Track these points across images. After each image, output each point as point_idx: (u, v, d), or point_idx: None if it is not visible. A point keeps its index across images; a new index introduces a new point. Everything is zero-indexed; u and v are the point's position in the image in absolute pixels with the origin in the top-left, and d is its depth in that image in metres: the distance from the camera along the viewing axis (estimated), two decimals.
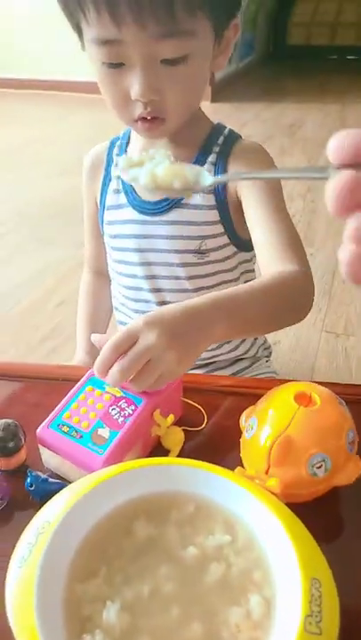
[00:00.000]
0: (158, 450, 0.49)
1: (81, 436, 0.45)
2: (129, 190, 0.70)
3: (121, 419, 0.45)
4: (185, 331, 0.46)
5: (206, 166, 0.66)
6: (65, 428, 0.46)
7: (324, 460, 0.41)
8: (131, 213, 0.70)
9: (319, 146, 2.63)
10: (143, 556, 0.36)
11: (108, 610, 0.33)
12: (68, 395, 0.48)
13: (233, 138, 0.68)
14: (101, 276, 0.85)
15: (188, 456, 0.48)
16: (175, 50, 0.54)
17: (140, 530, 0.37)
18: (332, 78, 4.03)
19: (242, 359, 0.81)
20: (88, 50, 0.58)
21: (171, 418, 0.49)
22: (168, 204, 0.67)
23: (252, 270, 0.77)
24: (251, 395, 0.52)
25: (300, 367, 1.34)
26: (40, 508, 0.37)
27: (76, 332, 0.86)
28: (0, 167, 2.68)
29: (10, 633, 0.31)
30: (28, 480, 0.45)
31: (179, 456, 0.49)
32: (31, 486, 0.45)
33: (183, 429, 0.50)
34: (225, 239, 0.69)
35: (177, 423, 0.51)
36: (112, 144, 0.75)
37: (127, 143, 0.73)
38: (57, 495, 0.38)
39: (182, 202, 0.67)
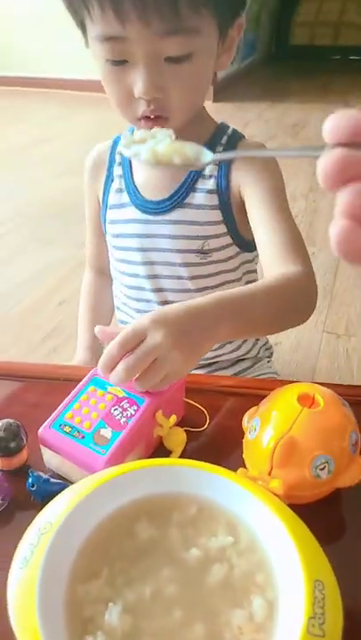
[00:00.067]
0: (160, 450, 0.49)
1: (83, 437, 0.45)
2: (131, 189, 0.70)
3: (123, 419, 0.45)
4: (190, 330, 0.45)
5: (210, 166, 0.66)
6: (67, 429, 0.45)
7: (327, 462, 0.41)
8: (133, 213, 0.70)
9: None
10: (145, 557, 0.36)
11: (110, 611, 0.32)
12: (70, 395, 0.48)
13: (236, 138, 0.68)
14: (103, 275, 0.85)
15: (191, 457, 0.48)
16: (179, 47, 0.54)
17: (143, 531, 0.37)
18: (335, 78, 4.02)
19: (243, 359, 0.81)
20: (92, 47, 0.58)
21: (173, 418, 0.49)
22: (171, 203, 0.67)
23: (255, 271, 0.77)
24: (253, 395, 0.52)
25: (302, 368, 1.33)
26: (41, 508, 0.37)
27: (76, 331, 0.85)
28: (2, 167, 2.68)
29: (12, 634, 0.31)
30: (30, 480, 0.45)
31: (181, 457, 0.48)
32: (33, 486, 0.45)
33: (185, 430, 0.50)
34: (228, 239, 0.69)
35: (179, 424, 0.51)
36: (115, 143, 0.74)
37: None
38: (59, 496, 0.38)
39: (185, 202, 0.67)
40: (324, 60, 4.50)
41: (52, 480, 0.45)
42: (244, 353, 0.80)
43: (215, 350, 0.77)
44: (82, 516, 0.36)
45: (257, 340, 0.82)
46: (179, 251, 0.69)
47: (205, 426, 0.52)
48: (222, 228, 0.68)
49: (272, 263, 0.60)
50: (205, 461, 0.39)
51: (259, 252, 0.64)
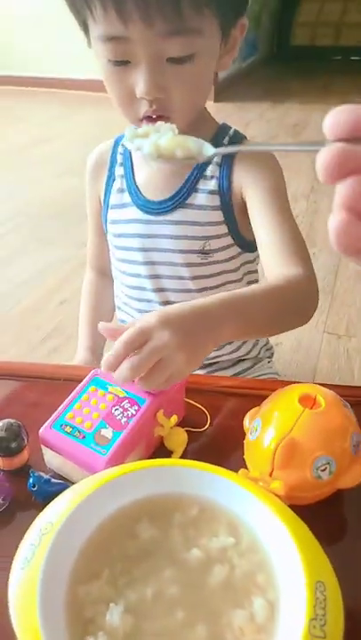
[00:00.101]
0: (161, 450, 0.49)
1: (84, 437, 0.45)
2: (133, 190, 0.70)
3: (124, 419, 0.45)
4: (196, 331, 0.45)
5: (211, 167, 0.66)
6: (68, 429, 0.45)
7: (328, 463, 0.41)
8: (135, 213, 0.70)
9: None
10: (147, 557, 0.36)
11: (112, 612, 0.32)
12: (71, 395, 0.48)
13: (238, 138, 0.68)
14: (104, 275, 0.85)
15: (191, 457, 0.48)
16: (182, 48, 0.54)
17: (144, 531, 0.37)
18: (336, 79, 4.02)
19: (244, 360, 0.81)
20: (94, 47, 0.58)
21: (174, 418, 0.49)
22: (172, 203, 0.67)
23: (256, 271, 0.77)
24: (254, 396, 0.52)
25: (302, 368, 1.33)
26: (42, 508, 0.37)
27: (77, 331, 0.85)
28: (2, 166, 2.68)
29: (13, 634, 0.31)
30: (31, 480, 0.45)
31: (182, 457, 0.48)
32: (34, 487, 0.45)
33: (186, 430, 0.50)
34: (229, 240, 0.69)
35: (180, 424, 0.50)
36: (116, 143, 0.74)
37: None
38: (60, 496, 0.38)
39: (187, 202, 0.67)
40: (325, 61, 4.50)
41: (53, 480, 0.45)
42: (245, 353, 0.80)
43: (216, 351, 0.77)
44: (83, 516, 0.36)
45: (257, 340, 0.82)
46: (180, 251, 0.69)
47: (206, 426, 0.52)
48: (223, 229, 0.68)
49: (273, 264, 0.60)
50: (206, 462, 0.39)
51: (260, 252, 0.64)
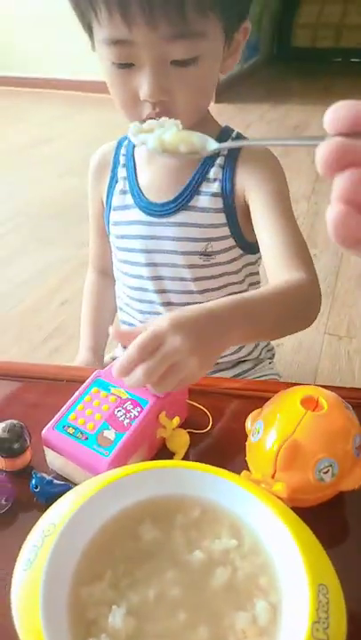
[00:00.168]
0: (163, 452, 0.49)
1: (86, 438, 0.45)
2: (135, 191, 0.70)
3: (127, 420, 0.45)
4: (208, 335, 0.45)
5: (214, 169, 0.66)
6: (70, 430, 0.45)
7: (331, 465, 0.41)
8: (137, 214, 0.70)
9: None
10: (149, 559, 0.36)
11: (114, 614, 0.32)
12: (74, 396, 0.48)
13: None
14: (106, 275, 0.85)
15: (194, 459, 0.48)
16: (186, 51, 0.54)
17: (146, 533, 0.37)
18: (337, 80, 4.02)
19: (245, 361, 0.81)
20: (98, 50, 0.58)
21: (176, 420, 0.49)
22: (175, 205, 0.67)
23: (257, 273, 0.77)
24: (256, 397, 0.52)
25: (303, 369, 1.33)
26: (45, 509, 0.37)
27: (78, 331, 0.85)
28: (2, 167, 2.68)
29: (15, 636, 0.31)
30: (33, 482, 0.45)
31: (184, 459, 0.48)
32: (36, 488, 0.45)
33: (188, 432, 0.50)
34: (231, 241, 0.69)
35: (182, 425, 0.51)
36: (119, 144, 0.74)
37: (134, 145, 0.73)
38: (62, 497, 0.38)
39: (189, 204, 0.67)
40: (325, 63, 4.51)
41: (56, 481, 0.45)
42: (246, 354, 0.80)
43: None
44: (85, 517, 0.36)
45: None
46: (182, 253, 0.69)
47: (208, 428, 0.52)
48: (226, 231, 0.68)
49: (276, 268, 0.60)
50: (208, 463, 0.39)
51: (263, 255, 0.64)
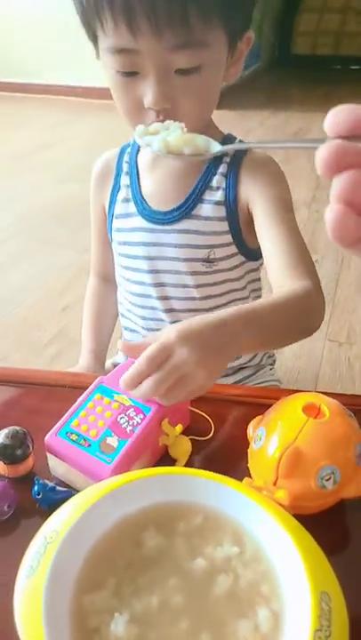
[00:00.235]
0: (165, 459, 0.49)
1: (89, 445, 0.45)
2: (138, 200, 0.71)
3: (129, 427, 0.45)
4: (215, 346, 0.46)
5: (217, 177, 0.66)
6: (73, 437, 0.46)
7: (333, 473, 0.41)
8: (140, 222, 0.70)
9: None
10: (152, 567, 0.36)
11: (116, 621, 0.32)
12: (77, 402, 0.48)
13: (244, 149, 0.68)
14: (107, 281, 0.85)
15: (196, 466, 0.48)
16: (190, 60, 0.54)
17: (149, 540, 0.37)
18: (337, 88, 4.05)
19: (246, 367, 0.81)
20: (103, 58, 0.58)
21: (179, 427, 0.49)
22: (178, 214, 0.68)
23: (259, 279, 0.78)
24: (258, 404, 0.52)
25: (304, 375, 1.34)
26: (47, 516, 0.37)
27: (79, 336, 0.86)
28: (3, 172, 2.69)
29: None
30: (36, 488, 0.45)
31: (186, 466, 0.48)
32: (38, 494, 0.45)
33: (190, 439, 0.50)
34: (233, 249, 0.69)
35: (184, 432, 0.51)
36: (122, 151, 0.75)
37: (137, 152, 0.73)
38: (65, 504, 0.38)
39: (192, 213, 0.67)
40: (325, 70, 4.54)
41: (58, 488, 0.45)
42: (247, 361, 0.80)
43: None
44: (88, 524, 0.36)
45: None
46: (185, 259, 0.69)
47: (210, 435, 0.52)
48: (228, 238, 0.68)
49: (280, 277, 0.60)
50: (210, 470, 0.39)
51: (266, 264, 0.64)
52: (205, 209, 0.67)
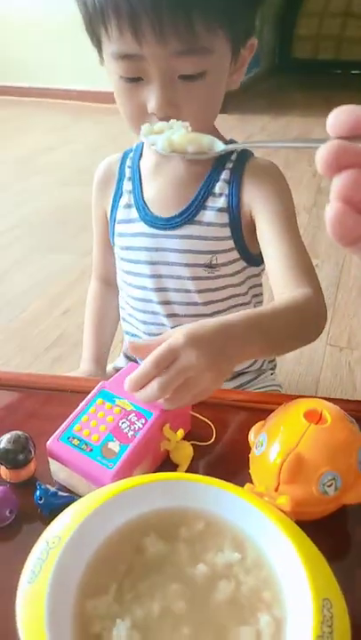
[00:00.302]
0: (167, 464, 0.49)
1: (91, 450, 0.45)
2: (141, 205, 0.71)
3: (131, 432, 0.46)
4: (222, 350, 0.46)
5: (220, 184, 0.67)
6: (75, 441, 0.46)
7: (334, 479, 0.41)
8: (142, 227, 0.71)
9: None
10: (153, 572, 0.36)
11: (119, 627, 0.32)
12: (79, 407, 0.48)
13: (246, 155, 0.69)
14: (109, 285, 0.85)
15: (197, 471, 0.48)
16: (193, 66, 0.55)
17: (151, 546, 0.37)
18: (338, 92, 4.05)
19: (247, 372, 0.81)
20: (107, 63, 0.59)
21: (180, 432, 0.49)
22: (181, 220, 0.68)
23: (260, 285, 0.78)
24: (259, 410, 0.52)
25: (305, 380, 1.33)
26: (49, 521, 0.37)
27: (80, 340, 0.86)
28: (6, 176, 2.70)
29: None
30: (38, 493, 0.45)
31: (187, 471, 0.48)
32: (40, 499, 0.45)
33: (192, 444, 0.50)
34: (235, 254, 0.69)
35: (186, 438, 0.51)
36: (125, 156, 0.75)
37: (140, 157, 0.73)
38: (67, 509, 0.38)
39: (195, 219, 0.67)
40: (326, 74, 4.55)
41: (60, 493, 0.45)
42: (248, 365, 0.80)
43: None
44: (90, 530, 0.36)
45: None
46: (187, 265, 0.69)
47: (212, 440, 0.52)
48: (230, 244, 0.68)
49: (282, 284, 0.60)
50: (212, 476, 0.39)
51: (268, 270, 0.65)
52: (208, 215, 0.67)
